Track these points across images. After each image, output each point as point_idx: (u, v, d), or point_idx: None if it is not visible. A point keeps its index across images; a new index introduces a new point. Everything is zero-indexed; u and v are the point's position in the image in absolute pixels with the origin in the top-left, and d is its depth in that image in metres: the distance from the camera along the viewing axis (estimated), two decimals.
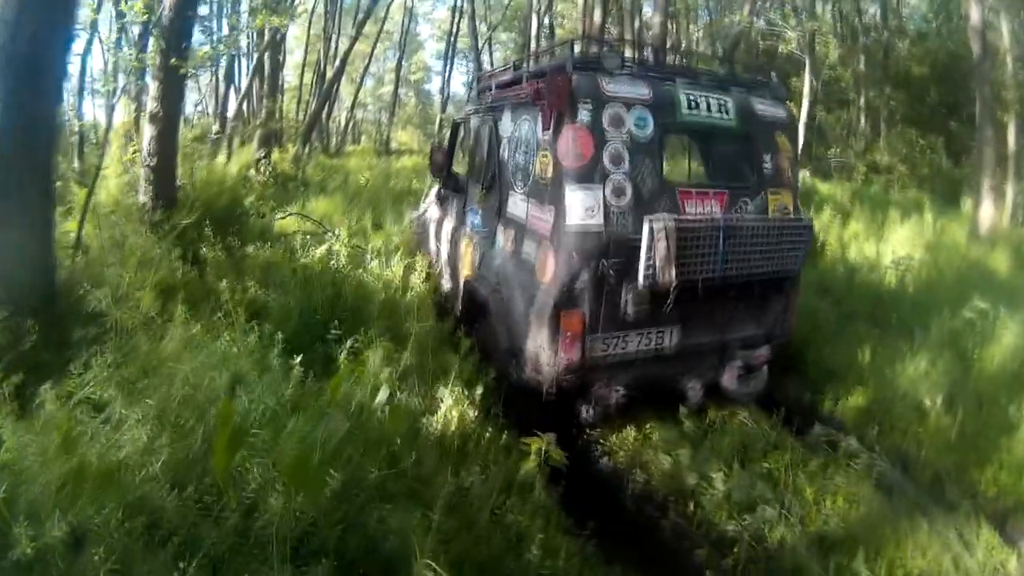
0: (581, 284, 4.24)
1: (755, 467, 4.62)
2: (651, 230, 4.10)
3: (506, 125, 5.26)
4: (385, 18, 34.65)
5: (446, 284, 6.65)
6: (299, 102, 33.12)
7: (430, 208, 7.82)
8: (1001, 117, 15.00)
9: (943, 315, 6.85)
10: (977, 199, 13.84)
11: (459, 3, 34.77)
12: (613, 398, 4.51)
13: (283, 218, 9.78)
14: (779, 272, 4.79)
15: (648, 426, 5.13)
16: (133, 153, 8.23)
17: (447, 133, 8.02)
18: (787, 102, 5.30)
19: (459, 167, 7.28)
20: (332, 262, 6.47)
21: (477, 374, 4.73)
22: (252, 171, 12.31)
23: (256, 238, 7.35)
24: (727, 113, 4.81)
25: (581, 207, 4.21)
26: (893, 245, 10.81)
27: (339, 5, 31.53)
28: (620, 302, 4.34)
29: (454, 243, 6.33)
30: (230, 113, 24.79)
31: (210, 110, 29.32)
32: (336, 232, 7.70)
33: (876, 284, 8.84)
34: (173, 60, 7.25)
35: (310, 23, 31.51)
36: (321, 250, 6.66)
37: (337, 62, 23.10)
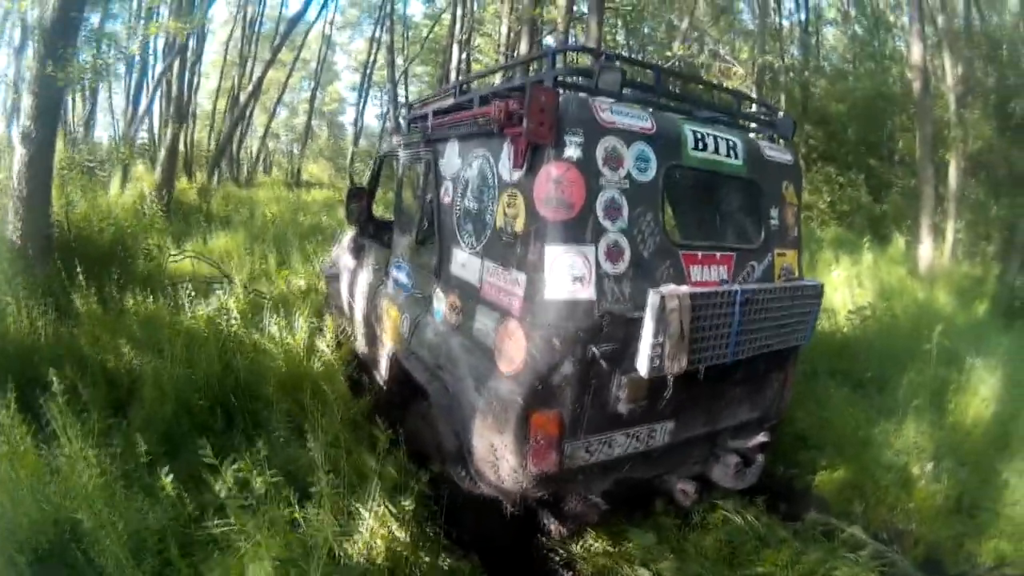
0: (561, 377, 3.22)
1: (750, 571, 3.85)
2: (662, 306, 3.13)
3: (450, 162, 4.17)
4: (302, 45, 34.44)
5: (362, 347, 5.62)
6: (211, 130, 32.36)
7: (343, 259, 6.73)
8: (942, 156, 15.12)
9: (912, 368, 6.43)
10: (915, 237, 13.95)
11: (377, 34, 34.45)
12: (591, 513, 3.62)
13: (176, 260, 8.57)
14: (788, 345, 3.99)
15: (617, 527, 4.21)
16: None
17: (364, 170, 6.88)
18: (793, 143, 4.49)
19: (382, 212, 6.31)
20: (222, 322, 5.37)
21: (405, 478, 3.71)
22: (149, 202, 11.06)
23: (141, 285, 6.28)
24: (736, 156, 3.88)
25: (567, 274, 3.18)
26: (838, 288, 10.49)
27: (256, 30, 31.33)
28: (610, 397, 3.35)
29: (372, 302, 5.24)
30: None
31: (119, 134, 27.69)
32: (230, 281, 6.55)
33: (834, 335, 8.34)
34: (49, 68, 6.19)
35: (227, 48, 31.37)
36: (209, 307, 5.49)
37: (250, 86, 22.17)
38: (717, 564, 3.88)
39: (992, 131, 15.61)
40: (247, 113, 26.23)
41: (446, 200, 4.14)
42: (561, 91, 3.29)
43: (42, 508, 3.02)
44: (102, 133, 30.58)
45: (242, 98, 24.12)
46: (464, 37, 25.40)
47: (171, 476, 2.86)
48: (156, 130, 24.00)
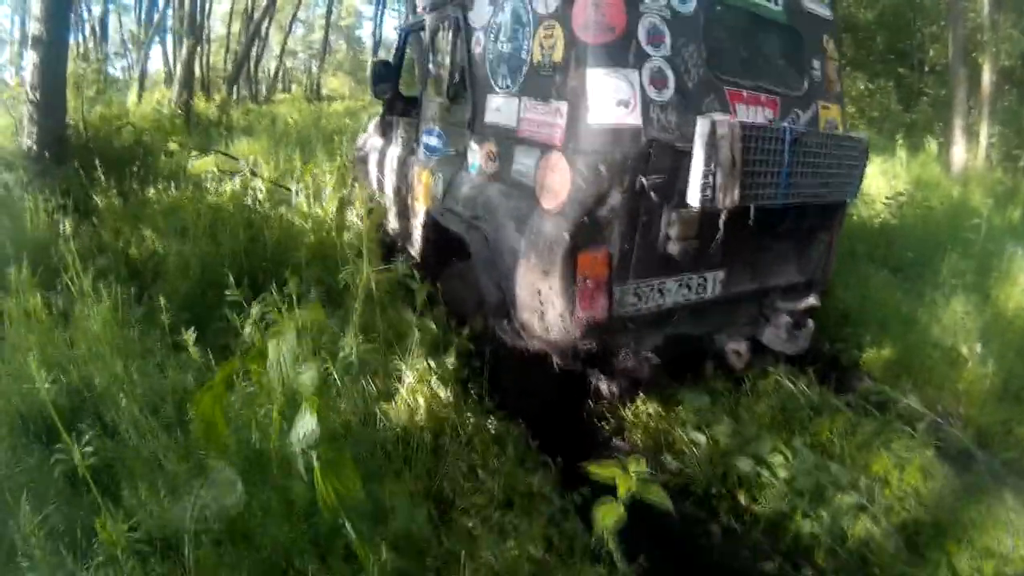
0: (609, 209, 3.03)
1: (805, 439, 3.67)
2: (712, 132, 2.90)
3: (481, 11, 3.99)
4: None
5: (393, 223, 5.46)
6: (227, 51, 32.15)
7: (370, 139, 6.58)
8: (974, 59, 14.68)
9: (952, 254, 6.23)
10: (948, 140, 13.76)
11: None
12: (644, 369, 3.37)
13: (198, 158, 8.36)
14: (835, 198, 3.79)
15: (668, 391, 4.05)
16: (16, 87, 6.96)
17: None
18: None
19: (408, 90, 6.06)
20: (248, 199, 5.20)
21: (446, 337, 3.51)
22: (166, 110, 10.87)
23: (165, 179, 6.11)
24: (775, 1, 3.74)
25: (612, 97, 2.99)
26: (874, 178, 10.20)
27: None
28: (659, 236, 3.17)
29: (402, 174, 5.07)
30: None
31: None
32: (254, 173, 6.36)
33: (871, 220, 8.17)
34: None
35: None
36: (233, 184, 5.29)
37: (264, 1, 21.69)
38: (772, 430, 3.71)
39: None
40: (263, 31, 25.79)
41: (477, 51, 3.96)
42: None
43: (55, 370, 2.88)
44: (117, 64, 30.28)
45: (256, 16, 23.68)
46: None
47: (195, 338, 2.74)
48: (170, 56, 23.65)
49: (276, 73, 37.67)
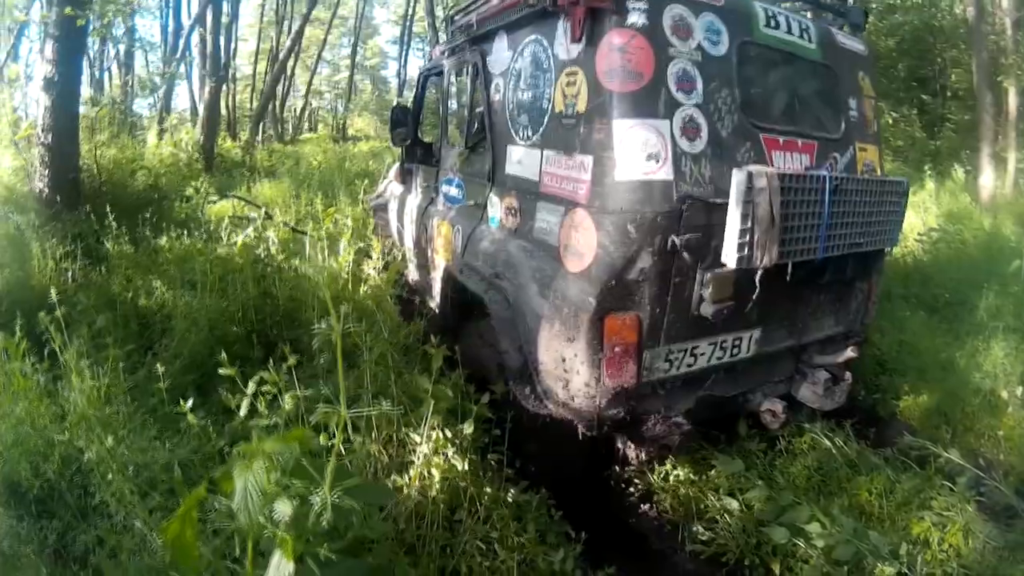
0: (638, 272, 2.86)
1: (843, 501, 3.49)
2: (749, 185, 2.74)
3: (499, 56, 3.87)
4: (338, 2, 33.86)
5: (414, 274, 5.34)
6: (253, 91, 32.68)
7: (390, 187, 6.49)
8: (999, 83, 14.38)
9: (990, 291, 6.05)
10: (975, 168, 13.52)
11: None
12: (674, 434, 3.19)
13: (217, 202, 8.28)
14: (875, 247, 3.60)
15: (699, 454, 3.88)
16: (27, 129, 6.95)
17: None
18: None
19: (428, 135, 5.97)
20: (260, 251, 5.05)
21: (464, 403, 3.29)
22: (184, 154, 10.90)
23: (178, 226, 5.98)
24: (809, 39, 3.57)
25: (640, 151, 2.81)
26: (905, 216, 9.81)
27: None
28: (693, 297, 2.99)
29: (421, 224, 4.95)
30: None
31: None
32: (270, 217, 6.26)
33: (904, 258, 7.96)
34: (68, 9, 5.98)
35: (263, 9, 31.89)
36: (245, 235, 5.14)
37: (288, 41, 21.96)
38: (809, 493, 3.54)
39: None
40: (288, 70, 26.15)
41: (496, 98, 3.84)
42: None
43: (44, 441, 2.82)
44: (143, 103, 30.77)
45: (281, 56, 23.99)
46: None
47: (191, 406, 2.56)
48: (195, 94, 23.94)
49: (302, 112, 38.18)
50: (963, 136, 17.33)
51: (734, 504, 3.47)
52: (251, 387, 2.43)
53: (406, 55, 40.10)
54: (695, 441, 3.73)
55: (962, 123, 18.36)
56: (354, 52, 38.70)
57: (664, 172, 2.83)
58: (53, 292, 3.14)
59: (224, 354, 2.59)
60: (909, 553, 3.01)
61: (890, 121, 21.19)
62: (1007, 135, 13.97)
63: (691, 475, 3.77)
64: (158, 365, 2.96)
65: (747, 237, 2.78)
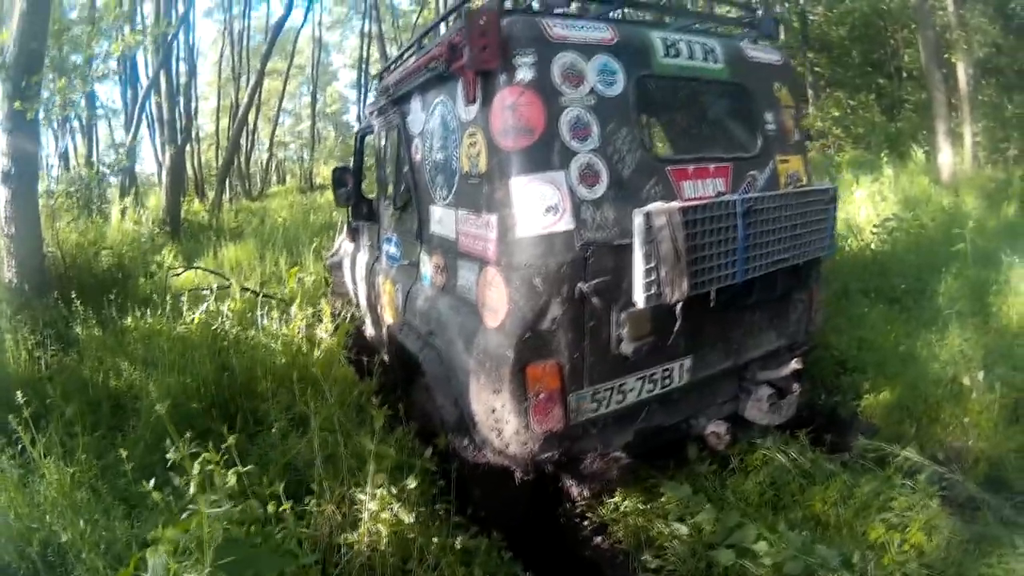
0: (551, 321, 2.92)
1: (796, 514, 3.52)
2: (649, 225, 2.79)
3: (416, 118, 3.92)
4: (294, 51, 34.19)
5: (369, 330, 5.40)
6: (217, 148, 32.71)
7: (344, 244, 6.56)
8: (948, 59, 14.65)
9: (947, 274, 6.24)
10: (933, 147, 13.61)
11: (367, 27, 33.99)
12: (613, 469, 3.28)
13: (177, 274, 8.35)
14: (807, 259, 3.62)
15: (649, 482, 3.91)
16: None
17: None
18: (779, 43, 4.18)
19: (371, 192, 6.04)
20: (216, 325, 5.12)
21: (409, 457, 3.40)
22: (149, 224, 10.96)
23: (142, 303, 6.06)
24: (715, 60, 3.56)
25: (538, 205, 2.88)
26: (862, 205, 10.21)
27: (245, 44, 31.30)
28: (610, 337, 3.04)
29: (370, 282, 5.01)
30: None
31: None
32: (228, 286, 6.32)
33: (862, 252, 8.01)
34: (17, 103, 6.05)
35: (220, 67, 31.75)
36: (201, 312, 5.24)
37: (245, 99, 22.01)
38: (760, 509, 3.58)
39: (997, 32, 15.11)
40: (249, 126, 26.19)
41: (417, 158, 3.90)
42: (505, 14, 3.00)
43: (24, 527, 2.95)
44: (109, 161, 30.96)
45: (241, 111, 24.07)
46: (453, 5, 25.18)
47: (157, 484, 2.65)
48: (159, 158, 24.07)
49: (268, 165, 38.25)
50: (922, 116, 17.49)
51: (683, 529, 3.48)
52: (196, 467, 2.51)
53: (365, 98, 40.40)
54: (643, 469, 3.78)
55: (920, 102, 18.64)
56: (314, 100, 38.91)
57: (564, 223, 2.88)
58: (19, 394, 3.23)
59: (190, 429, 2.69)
60: (863, 560, 3.02)
61: (848, 110, 21.47)
62: (961, 108, 14.23)
63: (640, 504, 3.80)
64: (121, 450, 3.01)
65: (653, 276, 2.83)
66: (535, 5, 3.26)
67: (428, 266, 3.80)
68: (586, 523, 3.87)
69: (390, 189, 4.59)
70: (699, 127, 3.97)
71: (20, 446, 3.25)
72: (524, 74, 2.89)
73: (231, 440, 2.64)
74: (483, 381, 3.06)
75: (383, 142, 4.87)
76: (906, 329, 5.54)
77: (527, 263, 2.89)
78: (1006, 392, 4.25)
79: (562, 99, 2.95)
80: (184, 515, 2.21)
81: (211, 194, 20.61)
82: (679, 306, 2.96)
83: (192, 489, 2.50)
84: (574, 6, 3.37)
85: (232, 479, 2.48)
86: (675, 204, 2.92)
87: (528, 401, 2.93)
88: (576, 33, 3.05)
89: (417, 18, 34.73)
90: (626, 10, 3.75)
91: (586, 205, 2.94)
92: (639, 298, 2.87)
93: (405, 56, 4.69)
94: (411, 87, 3.88)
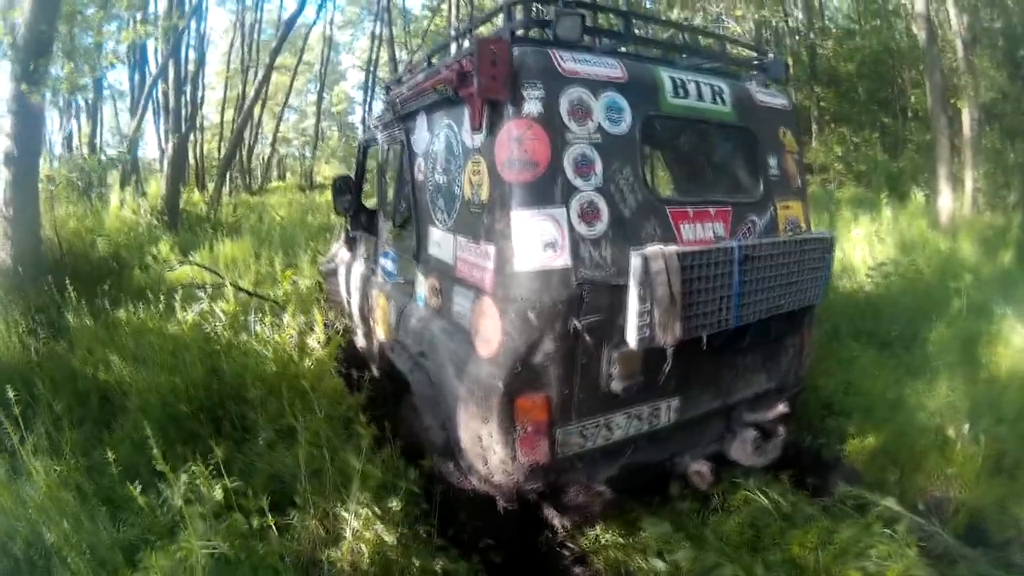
0: (543, 356, 2.92)
1: (775, 555, 3.51)
2: (645, 268, 2.81)
3: (420, 137, 3.92)
4: (304, 48, 34.16)
5: (361, 342, 5.39)
6: (221, 139, 32.47)
7: (339, 252, 6.55)
8: (954, 103, 14.62)
9: (940, 323, 6.25)
10: (934, 190, 13.57)
11: (378, 30, 33.91)
12: (596, 503, 3.30)
13: (176, 269, 8.33)
14: (802, 306, 3.65)
15: (629, 516, 3.90)
16: None
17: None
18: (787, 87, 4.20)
19: (371, 201, 6.03)
20: (209, 327, 5.10)
21: (394, 477, 3.40)
22: (145, 214, 10.92)
23: (136, 296, 6.05)
24: (723, 101, 3.58)
25: (538, 240, 2.89)
26: (858, 245, 10.13)
27: (256, 37, 31.18)
28: (601, 374, 3.04)
29: (364, 294, 5.00)
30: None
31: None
32: (223, 285, 6.30)
33: (856, 294, 8.01)
34: (24, 86, 6.05)
35: (229, 58, 31.88)
36: (195, 311, 5.22)
37: (253, 92, 21.93)
38: (739, 550, 3.56)
39: (1004, 79, 15.17)
40: (253, 120, 26.11)
41: (420, 178, 3.91)
42: (517, 44, 3.01)
43: (9, 525, 2.96)
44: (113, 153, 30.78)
45: (247, 103, 24.00)
46: (464, 27, 25.19)
47: (142, 486, 2.67)
48: (162, 145, 23.94)
49: (269, 160, 38.13)
50: (924, 157, 17.53)
51: (661, 565, 3.48)
52: (183, 479, 2.54)
53: (371, 101, 40.26)
54: (624, 504, 3.77)
55: (923, 144, 18.59)
56: (320, 98, 38.74)
57: (562, 259, 2.90)
58: (9, 388, 3.22)
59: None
60: None
61: (851, 147, 21.54)
62: (964, 153, 14.18)
63: (620, 538, 3.79)
64: (107, 450, 3.02)
65: (647, 318, 2.85)
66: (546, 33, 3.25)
67: (423, 287, 3.80)
68: (566, 552, 3.86)
69: (390, 205, 4.58)
70: (702, 168, 3.97)
71: (8, 443, 3.25)
72: (532, 107, 2.91)
73: (219, 453, 2.65)
74: (472, 409, 3.07)
75: (386, 156, 4.87)
76: (895, 376, 5.52)
77: (523, 297, 2.90)
78: (990, 444, 4.26)
79: (568, 135, 2.96)
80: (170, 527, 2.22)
81: (211, 185, 20.50)
82: (668, 351, 2.98)
83: (178, 501, 2.52)
84: (586, 39, 3.36)
85: (220, 494, 2.49)
86: (672, 248, 2.93)
87: (516, 432, 2.95)
88: (586, 68, 3.06)
89: (428, 24, 34.86)
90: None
91: (585, 243, 2.95)
92: (632, 339, 2.89)
93: (413, 73, 4.66)
94: (418, 106, 3.88)
